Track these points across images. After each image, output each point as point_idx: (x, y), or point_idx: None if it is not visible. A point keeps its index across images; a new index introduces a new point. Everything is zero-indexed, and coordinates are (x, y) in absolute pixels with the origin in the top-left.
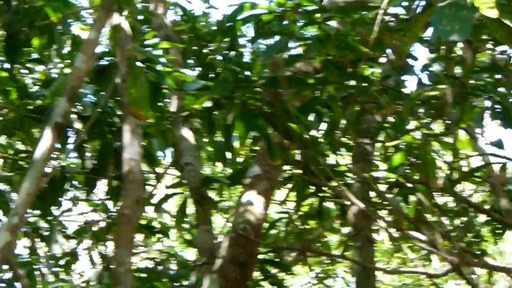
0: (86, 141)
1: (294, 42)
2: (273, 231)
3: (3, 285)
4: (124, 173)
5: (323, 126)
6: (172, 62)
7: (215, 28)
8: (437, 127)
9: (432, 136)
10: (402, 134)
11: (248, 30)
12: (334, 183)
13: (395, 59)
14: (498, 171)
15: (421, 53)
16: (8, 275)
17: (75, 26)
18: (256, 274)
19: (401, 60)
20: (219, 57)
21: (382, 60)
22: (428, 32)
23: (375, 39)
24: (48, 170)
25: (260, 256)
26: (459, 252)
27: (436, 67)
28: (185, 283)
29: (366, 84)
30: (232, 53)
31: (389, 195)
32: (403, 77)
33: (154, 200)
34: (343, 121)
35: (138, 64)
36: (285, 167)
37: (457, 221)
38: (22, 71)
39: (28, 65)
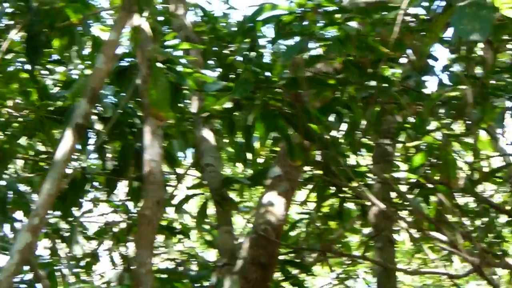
0: (106, 142)
1: (315, 42)
2: (293, 232)
3: (24, 286)
4: (145, 174)
5: (344, 126)
6: (192, 63)
7: (235, 29)
8: (458, 127)
9: (452, 137)
10: (422, 134)
11: (268, 31)
12: (354, 184)
13: (416, 60)
14: None
15: (441, 54)
16: (29, 276)
17: (96, 27)
18: (277, 275)
19: (421, 61)
20: (240, 58)
21: (403, 60)
22: (449, 33)
23: (396, 40)
24: (68, 171)
25: (281, 257)
26: (480, 252)
27: (456, 68)
28: (206, 284)
29: (386, 85)
30: (253, 54)
31: (409, 196)
32: (424, 78)
33: (175, 201)
34: (364, 122)
35: (159, 65)
36: (306, 168)
37: (478, 222)
38: (43, 72)
39: (48, 66)
